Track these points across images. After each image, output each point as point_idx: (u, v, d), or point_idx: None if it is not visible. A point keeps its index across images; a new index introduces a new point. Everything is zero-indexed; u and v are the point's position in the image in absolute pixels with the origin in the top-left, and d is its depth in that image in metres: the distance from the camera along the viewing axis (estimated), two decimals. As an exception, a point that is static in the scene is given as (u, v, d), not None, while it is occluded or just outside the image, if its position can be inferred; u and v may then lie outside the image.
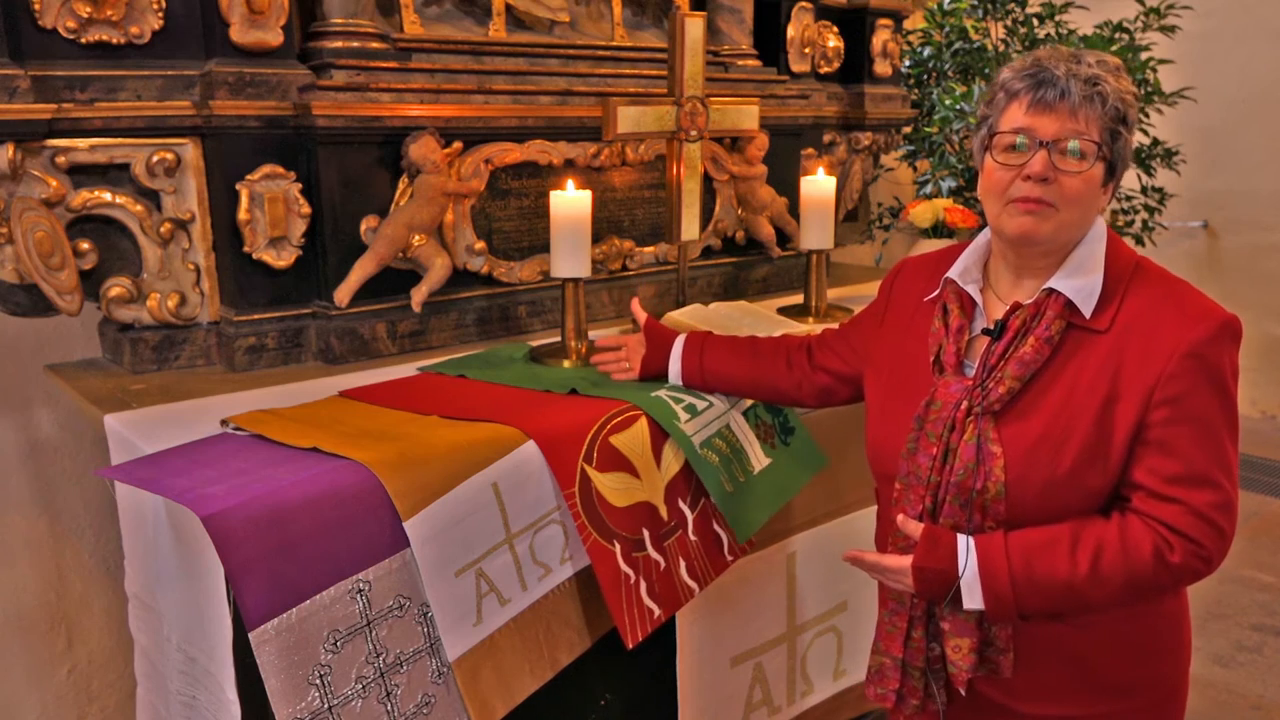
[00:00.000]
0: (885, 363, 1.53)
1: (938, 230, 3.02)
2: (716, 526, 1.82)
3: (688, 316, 2.30)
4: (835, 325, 2.46)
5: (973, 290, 1.42)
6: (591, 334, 2.10)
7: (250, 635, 1.28)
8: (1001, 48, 3.74)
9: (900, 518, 1.39)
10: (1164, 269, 1.38)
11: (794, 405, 1.82)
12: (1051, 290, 1.33)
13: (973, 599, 1.31)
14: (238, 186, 1.92)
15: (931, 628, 1.41)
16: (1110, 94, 1.28)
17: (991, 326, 1.39)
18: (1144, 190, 3.90)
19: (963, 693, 1.40)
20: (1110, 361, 1.29)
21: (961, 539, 1.32)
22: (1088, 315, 1.32)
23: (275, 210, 1.95)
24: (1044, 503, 1.30)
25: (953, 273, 1.44)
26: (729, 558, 1.83)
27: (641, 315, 1.92)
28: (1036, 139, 1.29)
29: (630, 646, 1.64)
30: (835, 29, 3.08)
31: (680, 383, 1.84)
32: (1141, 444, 1.28)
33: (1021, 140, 1.30)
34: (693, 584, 1.77)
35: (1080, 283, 1.33)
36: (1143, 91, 3.65)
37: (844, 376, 1.69)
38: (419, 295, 2.10)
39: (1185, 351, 1.26)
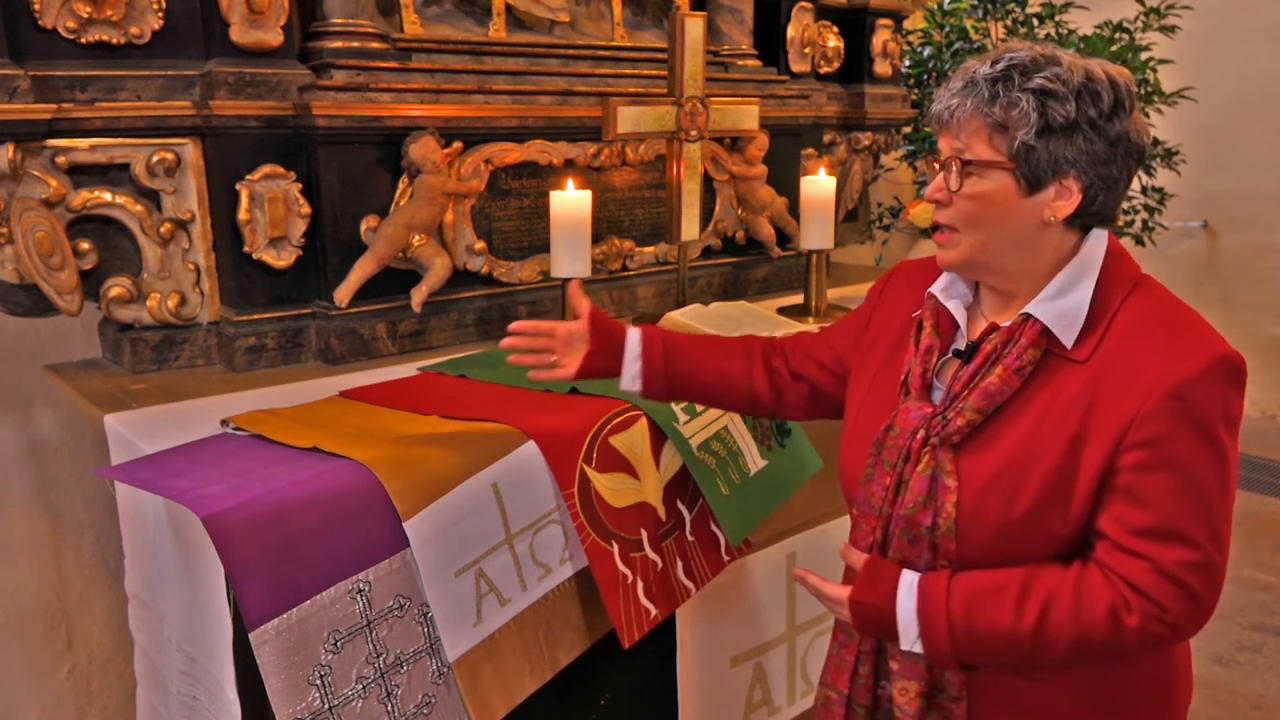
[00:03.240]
0: (863, 377, 1.40)
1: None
2: (714, 527, 1.82)
3: (688, 317, 2.30)
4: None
5: (954, 307, 1.30)
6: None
7: (250, 635, 1.28)
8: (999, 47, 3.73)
9: (843, 547, 1.31)
10: (1167, 292, 1.23)
11: (774, 416, 1.59)
12: (1028, 315, 1.20)
13: (908, 641, 1.21)
14: (238, 186, 1.92)
15: (881, 666, 1.30)
16: (985, 99, 1.16)
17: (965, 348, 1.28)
18: (1144, 190, 3.90)
19: None
20: (1085, 395, 1.16)
21: (906, 577, 1.21)
22: (1069, 345, 1.18)
23: (275, 210, 1.95)
24: (997, 545, 1.18)
25: (936, 287, 1.33)
26: (725, 558, 1.83)
27: (584, 302, 1.54)
28: (938, 160, 1.23)
29: (627, 646, 1.64)
30: (835, 29, 3.08)
31: (636, 389, 1.52)
32: (1109, 489, 1.15)
33: (937, 163, 1.24)
34: (689, 584, 1.77)
35: (1063, 307, 1.19)
36: (1143, 91, 3.65)
37: (823, 386, 1.51)
38: (419, 295, 2.10)
39: (1167, 390, 1.11)
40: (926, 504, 1.21)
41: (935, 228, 1.28)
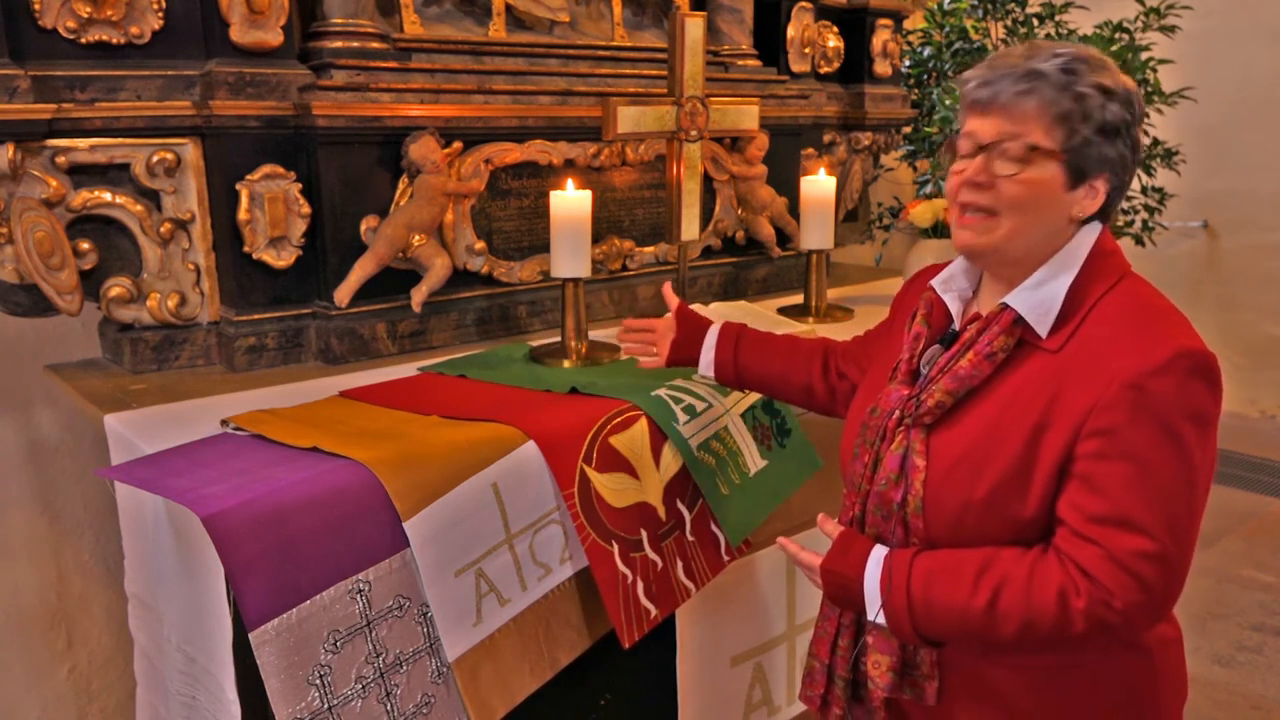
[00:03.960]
0: (872, 370, 1.49)
1: (937, 230, 3.02)
2: (714, 527, 1.82)
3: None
4: (836, 325, 2.46)
5: (950, 299, 1.35)
6: (593, 334, 2.10)
7: (250, 635, 1.28)
8: (1001, 48, 3.73)
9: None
10: (1151, 289, 1.25)
11: (827, 413, 1.70)
12: (1005, 304, 1.24)
13: (873, 612, 1.26)
14: (238, 186, 1.92)
15: (860, 639, 1.35)
16: (1053, 88, 1.18)
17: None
18: (1144, 190, 3.90)
19: (880, 712, 1.33)
20: (1051, 383, 1.19)
21: (877, 551, 1.27)
22: (1043, 334, 1.21)
23: (275, 210, 1.95)
24: (960, 524, 1.22)
25: (937, 280, 1.38)
26: (725, 558, 1.83)
27: (674, 300, 1.81)
28: (977, 143, 1.23)
29: (627, 646, 1.64)
30: (835, 29, 3.09)
31: (710, 375, 1.74)
32: (1069, 476, 1.17)
33: (968, 146, 1.24)
34: (689, 584, 1.77)
35: (1039, 297, 1.22)
36: (1143, 91, 3.65)
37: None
38: (419, 295, 2.10)
39: (1126, 381, 1.13)
40: (898, 481, 1.26)
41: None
